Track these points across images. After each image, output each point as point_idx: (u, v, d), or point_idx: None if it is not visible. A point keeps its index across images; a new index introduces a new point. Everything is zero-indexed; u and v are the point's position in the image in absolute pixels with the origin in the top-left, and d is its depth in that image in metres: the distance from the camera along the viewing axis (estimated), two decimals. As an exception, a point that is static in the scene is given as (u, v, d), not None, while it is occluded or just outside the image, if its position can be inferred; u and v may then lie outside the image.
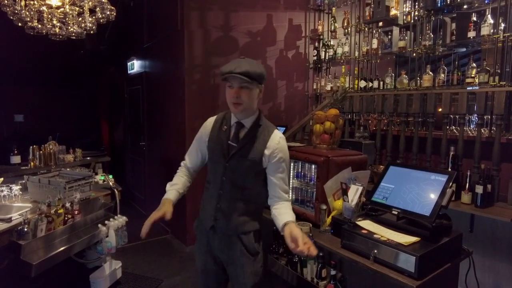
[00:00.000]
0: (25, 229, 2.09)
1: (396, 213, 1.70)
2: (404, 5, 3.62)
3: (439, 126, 3.10)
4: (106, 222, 2.73)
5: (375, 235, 1.65)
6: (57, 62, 6.15)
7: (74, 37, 3.01)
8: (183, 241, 4.21)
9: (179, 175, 1.85)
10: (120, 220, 2.82)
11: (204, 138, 1.77)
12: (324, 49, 4.53)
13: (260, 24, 4.45)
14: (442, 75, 3.25)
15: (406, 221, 1.70)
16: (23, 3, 2.62)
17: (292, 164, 2.37)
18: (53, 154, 3.46)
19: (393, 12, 3.68)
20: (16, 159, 3.35)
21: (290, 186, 2.38)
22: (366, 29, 4.05)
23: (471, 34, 3.01)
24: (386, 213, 1.78)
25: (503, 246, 2.61)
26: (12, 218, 2.18)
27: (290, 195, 2.38)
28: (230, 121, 1.72)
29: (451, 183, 1.62)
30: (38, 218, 2.17)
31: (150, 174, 5.26)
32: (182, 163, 1.89)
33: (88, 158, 4.12)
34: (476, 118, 2.91)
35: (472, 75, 3.02)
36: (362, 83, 3.95)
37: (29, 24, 2.72)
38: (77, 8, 2.80)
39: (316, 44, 4.76)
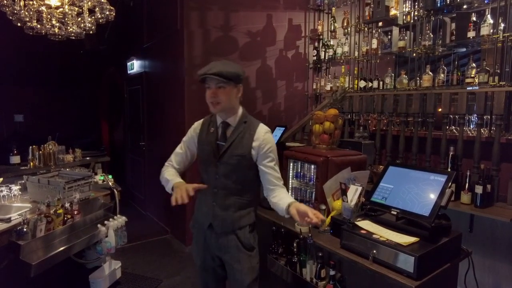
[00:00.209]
0: (25, 229, 2.09)
1: (395, 213, 1.70)
2: (404, 5, 3.61)
3: (438, 126, 3.10)
4: (106, 222, 2.73)
5: (374, 235, 1.65)
6: (56, 62, 6.15)
7: (73, 37, 3.01)
8: (183, 241, 4.21)
9: (169, 169, 1.87)
10: (119, 220, 2.82)
11: (194, 140, 1.85)
12: (323, 49, 4.53)
13: (260, 24, 4.44)
14: (442, 75, 3.25)
15: (405, 221, 1.70)
16: (22, 3, 2.62)
17: (291, 164, 2.37)
18: (52, 154, 3.45)
19: (392, 12, 3.68)
20: (15, 159, 3.35)
21: (290, 186, 2.39)
22: (366, 29, 4.05)
23: (471, 34, 3.01)
24: (385, 213, 1.78)
25: (503, 246, 2.61)
26: (12, 218, 2.18)
27: (290, 195, 2.39)
28: (216, 123, 1.80)
29: (450, 183, 1.62)
30: (38, 218, 2.17)
31: (150, 174, 5.25)
32: (167, 163, 1.91)
33: (88, 158, 4.12)
34: (476, 118, 2.91)
35: (472, 75, 3.02)
36: (362, 83, 3.95)
37: (28, 24, 2.72)
38: (76, 8, 2.79)
39: (316, 44, 4.75)
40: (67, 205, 2.45)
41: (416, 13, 3.51)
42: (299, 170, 2.32)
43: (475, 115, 2.98)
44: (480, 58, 3.39)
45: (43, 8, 2.69)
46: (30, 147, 3.33)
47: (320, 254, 1.86)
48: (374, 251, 1.58)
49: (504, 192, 2.54)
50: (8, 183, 2.70)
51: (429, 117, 2.98)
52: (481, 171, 2.49)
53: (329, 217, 1.99)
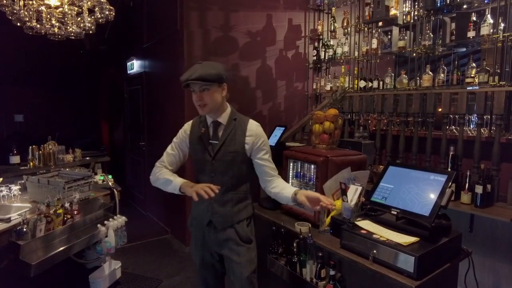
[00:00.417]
0: (24, 229, 2.08)
1: (395, 213, 1.70)
2: (404, 5, 3.61)
3: (438, 126, 3.09)
4: (106, 222, 2.72)
5: (374, 235, 1.65)
6: (56, 62, 6.15)
7: (73, 37, 3.00)
8: (183, 241, 4.21)
9: (164, 170, 1.88)
10: (119, 220, 2.82)
11: (186, 141, 1.89)
12: (323, 49, 4.53)
13: (259, 24, 4.44)
14: (442, 75, 3.25)
15: (405, 221, 1.69)
16: (21, 3, 2.61)
17: (291, 164, 2.37)
18: (52, 154, 3.45)
19: (392, 12, 3.68)
20: (15, 159, 3.35)
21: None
22: (366, 29, 4.05)
23: (471, 34, 3.01)
24: (385, 213, 1.78)
25: (503, 246, 2.60)
26: (11, 218, 2.18)
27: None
28: (206, 123, 1.85)
29: (450, 183, 1.62)
30: (37, 218, 2.17)
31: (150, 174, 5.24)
32: (159, 164, 1.91)
33: (88, 158, 4.12)
34: (476, 118, 2.91)
35: (472, 75, 3.02)
36: (362, 83, 3.95)
37: (28, 24, 2.72)
38: (76, 8, 2.79)
39: (316, 44, 4.75)
40: (67, 205, 2.45)
41: (416, 13, 3.51)
42: (299, 170, 2.32)
43: (475, 115, 2.98)
44: (480, 58, 3.39)
45: (43, 8, 2.69)
46: (30, 147, 3.33)
47: (320, 254, 1.86)
48: (374, 251, 1.58)
49: (504, 192, 2.54)
50: (8, 183, 2.70)
51: (429, 117, 2.98)
52: (481, 171, 2.49)
53: (329, 217, 1.99)
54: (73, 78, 6.60)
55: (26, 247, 2.05)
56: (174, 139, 1.94)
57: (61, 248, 2.25)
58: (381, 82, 3.79)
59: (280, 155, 2.43)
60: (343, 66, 4.33)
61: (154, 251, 4.06)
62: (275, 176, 1.83)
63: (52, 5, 2.75)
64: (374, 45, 3.83)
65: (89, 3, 2.70)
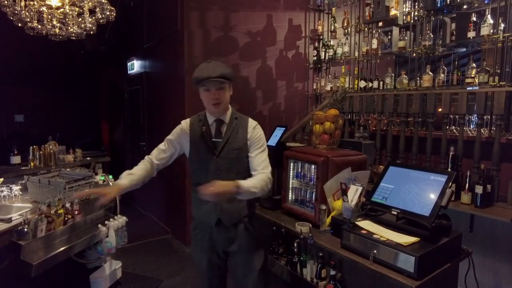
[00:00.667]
0: (25, 229, 2.09)
1: (395, 213, 1.70)
2: (404, 5, 3.61)
3: (439, 126, 3.09)
4: (106, 222, 2.73)
5: (374, 235, 1.65)
6: (57, 62, 6.15)
7: (74, 38, 3.01)
8: (183, 241, 4.21)
9: (140, 167, 1.91)
10: (120, 220, 2.82)
11: (186, 139, 1.87)
12: (324, 49, 4.53)
13: (260, 24, 4.45)
14: (442, 75, 3.25)
15: (405, 221, 1.70)
16: (23, 3, 2.62)
17: (292, 164, 2.38)
18: (53, 154, 3.46)
19: (393, 12, 3.68)
20: (16, 159, 3.35)
21: (290, 186, 2.39)
22: (366, 29, 4.05)
23: (471, 34, 3.01)
24: (386, 213, 1.78)
25: (503, 246, 2.61)
26: (12, 219, 2.18)
27: (290, 195, 2.39)
28: (207, 121, 1.85)
29: (450, 183, 1.62)
30: (38, 218, 2.17)
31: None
32: (146, 157, 1.94)
33: (88, 158, 4.12)
34: (476, 118, 2.91)
35: (472, 75, 3.02)
36: (362, 83, 3.95)
37: (29, 24, 2.72)
38: (77, 9, 2.80)
39: (316, 44, 4.76)
40: (67, 205, 2.45)
41: (416, 13, 3.51)
42: (300, 170, 2.32)
43: (475, 115, 2.98)
44: (480, 58, 3.38)
45: (44, 8, 2.69)
46: (31, 147, 3.34)
47: (320, 254, 1.86)
48: (375, 251, 1.59)
49: (504, 192, 2.54)
50: (9, 183, 2.70)
51: (429, 117, 2.98)
52: (481, 171, 2.49)
53: (330, 217, 2.00)
54: (73, 78, 6.60)
55: (27, 247, 2.06)
56: (169, 137, 1.95)
57: (62, 248, 2.25)
58: (381, 82, 3.79)
59: (280, 155, 2.43)
60: (343, 66, 4.33)
61: (155, 251, 4.06)
62: (257, 171, 1.78)
63: (53, 6, 2.76)
64: (374, 45, 3.84)
65: (90, 3, 2.71)
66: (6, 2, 2.54)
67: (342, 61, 4.38)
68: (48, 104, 6.42)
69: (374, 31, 3.91)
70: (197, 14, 4.00)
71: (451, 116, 3.05)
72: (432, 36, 3.35)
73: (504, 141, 2.69)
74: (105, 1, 2.74)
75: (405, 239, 1.57)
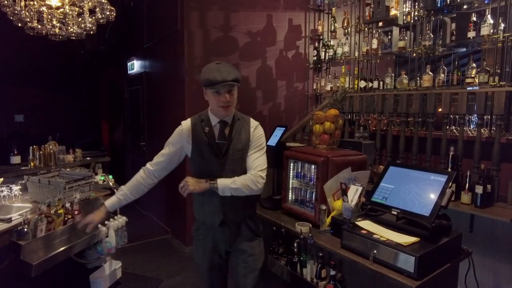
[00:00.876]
0: (25, 229, 2.08)
1: (395, 213, 1.70)
2: (404, 5, 3.61)
3: (439, 126, 3.09)
4: (106, 222, 2.72)
5: (374, 235, 1.65)
6: (57, 62, 6.16)
7: (74, 38, 3.01)
8: (183, 241, 4.21)
9: (132, 179, 1.92)
10: (120, 220, 2.82)
11: (188, 141, 1.82)
12: (324, 49, 4.53)
13: (260, 24, 4.45)
14: (442, 75, 3.25)
15: (405, 221, 1.70)
16: (23, 3, 2.62)
17: (292, 164, 2.38)
18: (53, 154, 3.45)
19: (393, 12, 3.68)
20: (16, 159, 3.35)
21: (290, 186, 2.39)
22: (366, 29, 4.05)
23: (471, 34, 3.01)
24: (386, 213, 1.78)
25: (503, 246, 2.61)
26: (12, 218, 2.18)
27: (290, 195, 2.39)
28: (210, 122, 1.82)
29: (450, 183, 1.62)
30: (38, 218, 2.17)
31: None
32: (143, 169, 1.91)
33: (88, 158, 4.12)
34: (476, 118, 2.91)
35: (472, 75, 3.02)
36: (362, 83, 3.95)
37: (29, 24, 2.72)
38: (77, 9, 2.80)
39: (316, 44, 4.76)
40: (67, 205, 2.45)
41: (416, 13, 3.51)
42: (300, 170, 2.32)
43: (475, 115, 2.98)
44: (480, 58, 3.38)
45: (44, 8, 2.69)
46: (31, 147, 3.34)
47: (320, 254, 1.86)
48: (375, 251, 1.59)
49: (504, 192, 2.54)
50: (9, 183, 2.70)
51: (429, 117, 2.98)
52: (481, 171, 2.49)
53: (330, 217, 2.00)
54: (73, 78, 6.61)
55: (27, 247, 2.06)
56: (170, 140, 1.90)
57: (62, 248, 2.25)
58: (381, 82, 3.79)
59: (280, 155, 2.43)
60: (343, 66, 4.33)
61: (155, 251, 4.06)
62: (251, 170, 1.77)
63: (53, 6, 2.76)
64: (374, 45, 3.84)
65: (90, 3, 2.71)
66: (6, 2, 2.54)
67: (342, 61, 4.38)
68: (48, 104, 6.42)
69: (374, 31, 3.91)
70: (197, 14, 4.00)
71: (451, 116, 3.05)
72: (432, 36, 3.35)
73: (504, 141, 2.69)
74: (105, 1, 2.74)
75: (405, 239, 1.57)
